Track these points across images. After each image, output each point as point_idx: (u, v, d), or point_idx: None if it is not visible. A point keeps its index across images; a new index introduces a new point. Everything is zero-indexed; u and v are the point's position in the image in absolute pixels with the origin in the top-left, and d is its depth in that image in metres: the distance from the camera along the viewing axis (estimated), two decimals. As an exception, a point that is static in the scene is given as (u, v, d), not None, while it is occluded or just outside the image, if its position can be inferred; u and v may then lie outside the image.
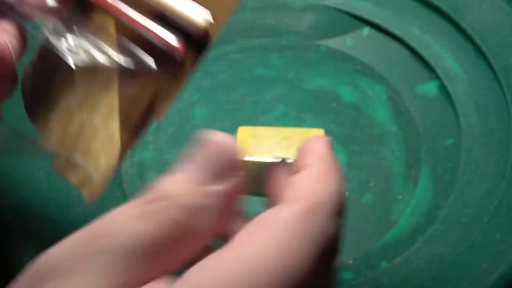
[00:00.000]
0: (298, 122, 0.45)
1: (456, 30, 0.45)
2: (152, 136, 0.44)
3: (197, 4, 0.22)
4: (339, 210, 0.25)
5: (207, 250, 0.24)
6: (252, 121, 0.45)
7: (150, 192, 0.23)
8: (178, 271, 0.22)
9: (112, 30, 0.23)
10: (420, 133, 0.43)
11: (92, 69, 0.23)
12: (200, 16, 0.22)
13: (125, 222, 0.22)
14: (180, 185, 0.23)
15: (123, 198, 0.42)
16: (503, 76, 0.42)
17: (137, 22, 0.22)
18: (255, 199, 0.42)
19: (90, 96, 0.23)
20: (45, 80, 0.25)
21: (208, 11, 0.22)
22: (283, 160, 0.28)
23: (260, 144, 0.42)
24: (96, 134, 0.23)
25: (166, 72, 0.22)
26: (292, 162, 0.27)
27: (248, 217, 0.26)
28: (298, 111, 0.45)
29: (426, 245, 0.37)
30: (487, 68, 0.43)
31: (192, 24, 0.22)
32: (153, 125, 0.44)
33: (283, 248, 0.21)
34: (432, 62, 0.45)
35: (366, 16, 0.48)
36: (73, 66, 0.22)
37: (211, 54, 0.48)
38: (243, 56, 0.49)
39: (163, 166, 0.43)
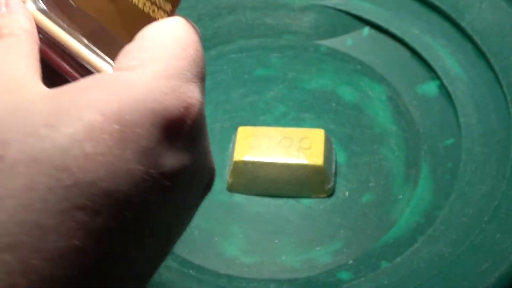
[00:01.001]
0: (298, 122, 0.45)
1: (456, 30, 0.45)
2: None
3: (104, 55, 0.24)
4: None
5: None
6: (252, 121, 0.45)
7: None
8: None
9: None
10: (420, 133, 0.43)
11: None
12: (105, 64, 0.23)
13: None
14: None
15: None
16: (503, 76, 0.42)
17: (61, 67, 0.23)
18: (256, 198, 0.42)
19: None
20: None
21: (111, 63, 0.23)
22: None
23: (260, 144, 0.42)
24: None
25: None
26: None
27: None
28: (298, 111, 0.45)
29: (426, 245, 0.37)
30: (487, 68, 0.43)
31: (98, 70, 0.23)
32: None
33: None
34: (432, 62, 0.45)
35: (366, 16, 0.48)
36: None
37: (211, 54, 0.48)
38: (243, 56, 0.49)
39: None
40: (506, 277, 0.34)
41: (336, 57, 0.48)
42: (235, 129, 0.43)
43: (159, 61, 0.21)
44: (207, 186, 0.23)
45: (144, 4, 0.23)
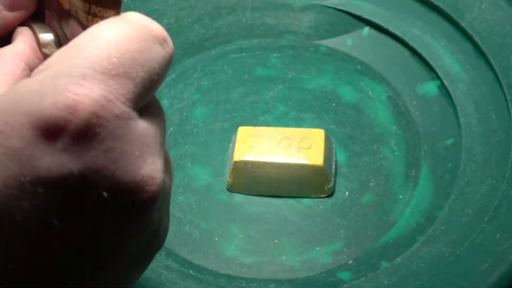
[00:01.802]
0: (298, 122, 0.45)
1: (456, 30, 0.45)
2: (152, 136, 0.44)
3: None
4: None
5: None
6: (252, 121, 0.45)
7: None
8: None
9: None
10: (420, 133, 0.43)
11: None
12: None
13: None
14: None
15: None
16: (503, 76, 0.42)
17: None
18: (256, 198, 0.42)
19: None
20: None
21: None
22: None
23: (260, 144, 0.42)
24: None
25: None
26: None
27: None
28: (298, 111, 0.45)
29: (426, 245, 0.37)
30: (487, 68, 0.43)
31: None
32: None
33: None
34: (432, 62, 0.45)
35: (366, 16, 0.48)
36: None
37: (211, 54, 0.48)
38: (243, 56, 0.48)
39: (163, 166, 0.43)
40: (506, 277, 0.34)
41: (336, 57, 0.48)
42: (235, 129, 0.43)
43: (57, 62, 0.19)
44: (134, 198, 0.20)
45: (87, 19, 0.22)
